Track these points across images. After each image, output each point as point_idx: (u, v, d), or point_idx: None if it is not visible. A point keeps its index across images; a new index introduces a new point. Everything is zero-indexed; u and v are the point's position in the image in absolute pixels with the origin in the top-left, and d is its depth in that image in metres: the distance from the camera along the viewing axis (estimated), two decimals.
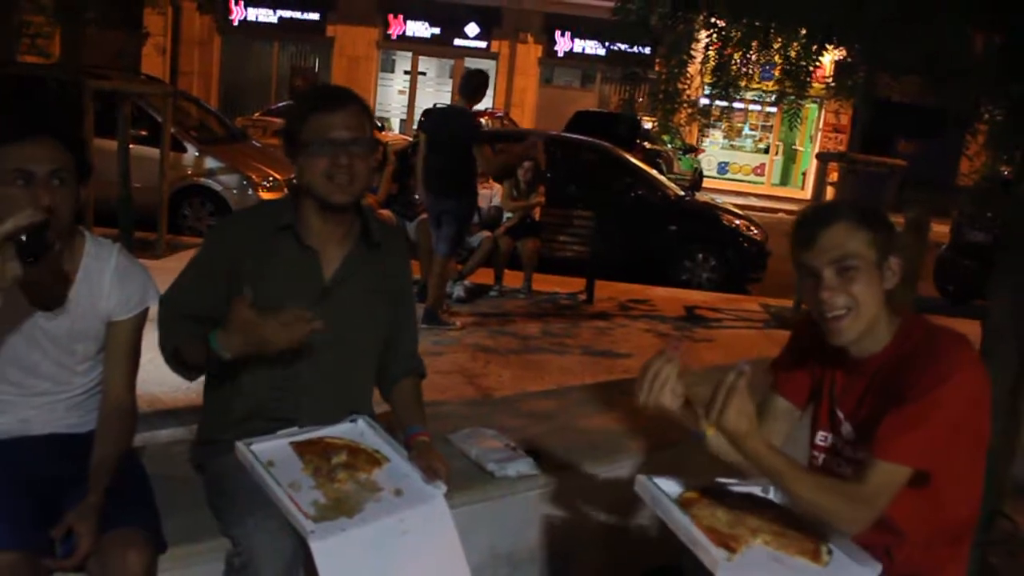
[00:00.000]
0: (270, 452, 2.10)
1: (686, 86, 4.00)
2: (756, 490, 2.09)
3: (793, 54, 3.90)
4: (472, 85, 6.52)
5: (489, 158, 6.42)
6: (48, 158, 1.98)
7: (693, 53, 3.95)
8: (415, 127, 19.13)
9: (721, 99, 4.26)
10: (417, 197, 7.07)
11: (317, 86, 2.37)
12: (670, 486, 2.00)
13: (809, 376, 2.15)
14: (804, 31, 3.85)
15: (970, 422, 1.86)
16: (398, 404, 2.46)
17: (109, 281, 2.18)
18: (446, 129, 6.50)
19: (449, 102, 7.05)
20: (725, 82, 4.07)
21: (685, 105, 4.15)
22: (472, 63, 22.95)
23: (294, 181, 2.35)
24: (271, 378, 2.27)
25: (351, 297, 2.33)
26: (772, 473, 1.83)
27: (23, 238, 1.79)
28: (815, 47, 3.88)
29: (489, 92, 23.38)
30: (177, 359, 2.28)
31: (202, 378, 2.41)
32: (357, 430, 2.28)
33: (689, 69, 3.97)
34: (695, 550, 1.80)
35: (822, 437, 2.10)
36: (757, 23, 3.86)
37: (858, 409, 2.00)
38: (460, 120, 6.53)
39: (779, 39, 3.99)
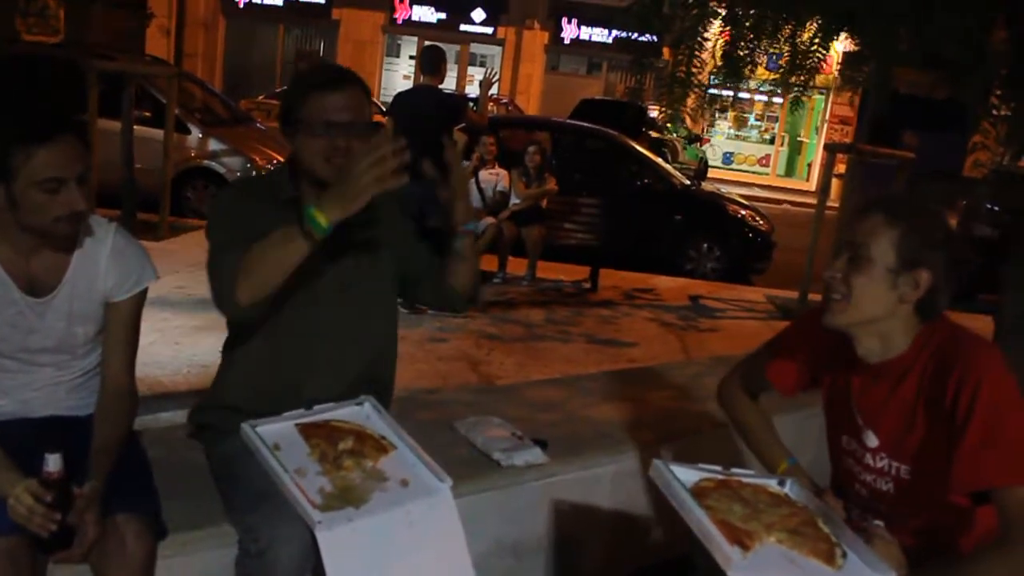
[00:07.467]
0: (276, 435, 2.06)
1: (699, 69, 3.96)
2: (772, 483, 2.04)
3: (806, 36, 3.87)
4: (434, 61, 6.40)
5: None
6: (76, 161, 1.97)
7: (707, 37, 3.92)
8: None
9: (727, 88, 4.24)
10: None
11: (319, 64, 2.32)
12: (685, 474, 1.95)
13: (809, 369, 2.14)
14: (819, 19, 3.81)
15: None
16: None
17: (105, 261, 2.14)
18: (422, 111, 6.22)
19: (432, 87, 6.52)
20: (732, 70, 4.03)
21: (696, 90, 4.11)
22: (478, 49, 22.90)
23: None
24: (286, 333, 2.23)
25: (358, 256, 2.30)
26: None
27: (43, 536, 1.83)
28: (828, 34, 3.84)
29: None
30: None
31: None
32: (363, 413, 2.24)
33: (703, 55, 3.94)
34: (707, 545, 1.75)
35: (847, 441, 2.06)
36: (770, 12, 3.82)
37: (881, 417, 1.96)
38: (433, 99, 6.37)
39: (788, 27, 3.95)
